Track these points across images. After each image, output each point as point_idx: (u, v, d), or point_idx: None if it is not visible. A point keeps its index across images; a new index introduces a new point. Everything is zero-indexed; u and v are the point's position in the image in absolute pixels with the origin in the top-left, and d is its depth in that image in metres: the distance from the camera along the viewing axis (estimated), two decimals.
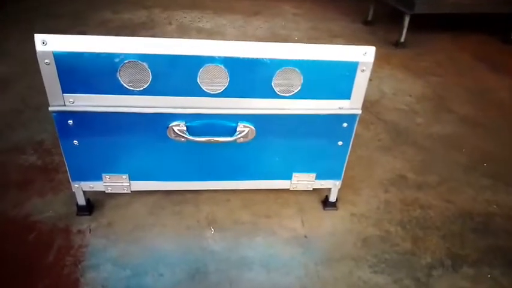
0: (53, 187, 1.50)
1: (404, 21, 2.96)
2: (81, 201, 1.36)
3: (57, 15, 3.10)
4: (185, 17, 3.27)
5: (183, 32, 3.01)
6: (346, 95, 1.23)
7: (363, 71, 1.18)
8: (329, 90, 1.22)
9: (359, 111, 1.26)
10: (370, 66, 1.18)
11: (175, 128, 1.20)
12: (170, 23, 3.15)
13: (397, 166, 1.76)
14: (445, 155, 1.86)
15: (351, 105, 1.25)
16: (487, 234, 1.46)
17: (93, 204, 1.42)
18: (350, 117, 1.27)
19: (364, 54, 1.16)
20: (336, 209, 1.49)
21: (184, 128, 1.21)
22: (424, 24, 3.28)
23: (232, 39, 2.97)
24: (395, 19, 3.11)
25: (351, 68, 1.18)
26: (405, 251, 1.35)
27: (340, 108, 1.25)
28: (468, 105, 2.30)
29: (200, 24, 3.16)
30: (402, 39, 3.03)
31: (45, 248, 1.27)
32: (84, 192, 1.35)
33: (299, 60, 1.16)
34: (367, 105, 2.17)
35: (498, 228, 1.49)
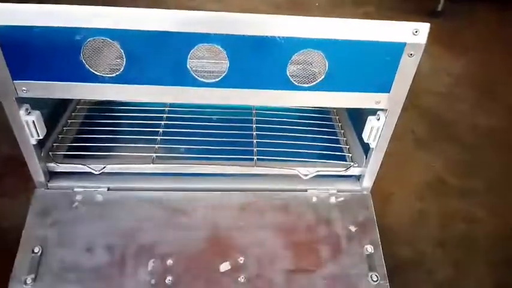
0: (26, 185, 1.27)
1: None
2: None
3: None
4: None
5: None
6: (385, 88, 0.93)
7: (410, 55, 0.87)
8: (362, 81, 0.92)
9: (399, 109, 0.96)
10: (421, 50, 0.87)
11: None
12: None
13: (435, 167, 1.46)
14: (493, 154, 1.56)
15: (390, 101, 0.95)
16: None
17: None
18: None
19: (415, 33, 0.84)
20: None
21: None
22: None
23: (246, 5, 2.65)
24: None
25: (394, 51, 0.87)
26: (445, 280, 1.09)
27: (376, 102, 0.95)
28: None
29: None
30: (440, 8, 2.63)
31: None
32: None
33: (324, 39, 0.85)
34: None
35: None
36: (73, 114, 1.21)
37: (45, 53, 0.84)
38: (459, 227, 1.26)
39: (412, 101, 1.82)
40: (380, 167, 1.33)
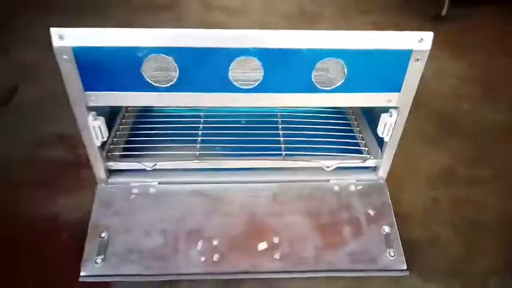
0: (82, 184, 1.45)
1: None
2: None
3: None
4: None
5: (208, 11, 2.86)
6: (396, 88, 1.09)
7: (417, 60, 1.03)
8: (376, 83, 1.08)
9: (409, 106, 1.12)
10: (426, 56, 1.03)
11: None
12: (195, 1, 3.01)
13: (443, 159, 1.61)
14: (498, 146, 1.69)
15: (401, 99, 1.11)
16: None
17: None
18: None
19: (420, 41, 1.00)
20: None
21: None
22: None
23: (259, 18, 2.83)
24: None
25: (403, 57, 1.03)
26: (457, 257, 1.23)
27: (389, 101, 1.11)
28: None
29: (226, 3, 3.00)
30: (444, 13, 2.77)
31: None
32: None
33: (343, 49, 1.02)
34: None
35: None
36: (123, 120, 1.39)
37: (112, 68, 1.02)
38: (469, 211, 1.39)
39: (419, 102, 1.95)
40: (393, 162, 1.49)
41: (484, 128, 1.80)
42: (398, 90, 1.09)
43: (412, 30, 1.00)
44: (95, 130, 1.12)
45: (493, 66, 2.30)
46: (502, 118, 1.86)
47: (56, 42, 0.94)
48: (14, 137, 1.65)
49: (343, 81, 1.06)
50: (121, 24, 1.01)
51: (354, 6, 3.03)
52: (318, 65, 1.04)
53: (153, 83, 1.04)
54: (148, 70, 1.02)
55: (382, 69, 1.05)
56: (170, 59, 1.00)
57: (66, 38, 0.94)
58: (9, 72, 2.11)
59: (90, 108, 1.09)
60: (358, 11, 2.98)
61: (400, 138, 1.67)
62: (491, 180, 1.52)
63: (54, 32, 0.94)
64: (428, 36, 1.00)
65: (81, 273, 1.10)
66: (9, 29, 2.54)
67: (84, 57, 0.99)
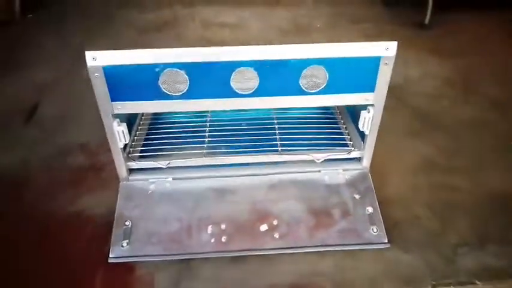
0: (102, 184, 1.66)
1: (429, 1, 2.92)
2: None
3: (87, 17, 3.25)
4: (207, 12, 3.35)
5: (206, 28, 3.10)
6: (371, 88, 1.29)
7: (385, 64, 1.24)
8: (354, 85, 1.29)
9: (383, 103, 1.32)
10: (393, 60, 1.23)
11: None
12: (193, 20, 3.24)
13: (425, 151, 1.80)
14: (473, 138, 1.89)
15: (375, 97, 1.31)
16: None
17: None
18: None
19: (386, 49, 1.21)
20: None
21: None
22: (449, 4, 3.22)
23: (255, 33, 3.06)
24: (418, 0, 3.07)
25: (374, 63, 1.24)
26: (433, 232, 1.42)
27: (366, 99, 1.32)
28: (497, 87, 2.29)
29: (223, 19, 3.23)
30: (427, 21, 2.99)
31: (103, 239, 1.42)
32: None
33: (324, 58, 1.23)
34: (392, 90, 2.20)
35: None
36: (139, 127, 1.60)
37: (134, 81, 1.23)
38: (446, 194, 1.57)
39: (405, 103, 2.17)
40: (378, 154, 1.68)
41: (461, 123, 2.00)
42: (373, 91, 1.30)
43: (400, 37, 1.20)
44: (119, 134, 1.33)
45: (473, 68, 2.50)
46: (478, 114, 2.07)
47: (90, 62, 1.16)
48: (38, 148, 1.86)
49: (325, 84, 1.27)
50: (128, 44, 1.22)
51: (344, 17, 3.25)
52: (305, 71, 1.25)
53: (167, 93, 1.25)
54: (164, 82, 1.23)
55: (358, 73, 1.26)
56: (182, 72, 1.22)
57: (98, 59, 1.16)
58: (29, 91, 2.32)
59: (115, 116, 1.30)
60: (348, 20, 3.19)
61: (387, 133, 1.87)
62: (466, 168, 1.71)
63: (89, 54, 1.15)
64: (393, 45, 1.21)
65: (110, 255, 1.30)
66: (30, 48, 2.77)
67: (112, 74, 1.20)
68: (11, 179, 1.69)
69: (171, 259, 1.30)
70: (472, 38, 2.86)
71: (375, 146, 1.45)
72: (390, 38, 1.23)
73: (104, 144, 1.66)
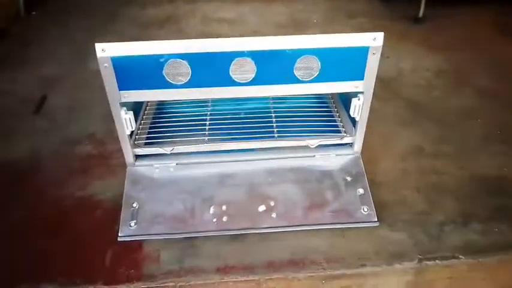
0: (110, 171, 1.75)
1: None
2: None
3: (90, 14, 3.34)
4: (208, 8, 3.43)
5: (206, 24, 3.19)
6: (360, 76, 1.39)
7: (373, 54, 1.33)
8: (344, 73, 1.38)
9: (372, 91, 1.42)
10: (380, 50, 1.33)
11: None
12: (194, 16, 3.33)
13: (415, 139, 1.89)
14: (461, 126, 1.98)
15: (365, 85, 1.40)
16: (498, 195, 1.59)
17: None
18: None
19: (373, 40, 1.31)
20: None
21: None
22: None
23: (254, 27, 3.15)
24: None
25: (362, 53, 1.33)
26: (420, 212, 1.52)
27: (356, 87, 1.41)
28: (486, 79, 2.38)
29: (223, 15, 3.32)
30: (420, 15, 3.07)
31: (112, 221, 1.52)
32: None
33: (316, 48, 1.32)
34: (386, 82, 2.30)
35: (508, 190, 1.62)
36: (144, 116, 1.70)
37: (140, 71, 1.32)
38: (433, 177, 1.66)
39: (397, 94, 2.26)
40: (371, 141, 1.78)
41: (450, 111, 2.09)
42: (362, 78, 1.39)
43: (394, 31, 1.28)
44: (126, 122, 1.42)
45: (463, 60, 2.59)
46: (465, 103, 2.16)
47: (100, 53, 1.25)
48: (48, 138, 1.95)
49: (318, 73, 1.36)
50: (131, 40, 1.30)
51: (341, 12, 3.33)
52: (298, 61, 1.34)
53: (171, 82, 1.34)
54: (168, 72, 1.33)
55: (348, 62, 1.36)
56: (185, 62, 1.31)
57: (107, 50, 1.25)
58: (36, 85, 2.41)
59: (123, 104, 1.40)
60: (344, 15, 3.28)
61: (379, 123, 1.96)
62: (453, 153, 1.81)
63: (99, 46, 1.25)
64: (379, 36, 1.30)
65: (119, 234, 1.40)
66: (35, 45, 2.86)
67: (120, 64, 1.30)
68: (23, 166, 1.78)
69: (175, 237, 1.40)
70: (464, 31, 2.95)
71: (367, 134, 1.55)
72: (385, 32, 1.32)
73: (110, 134, 1.77)
